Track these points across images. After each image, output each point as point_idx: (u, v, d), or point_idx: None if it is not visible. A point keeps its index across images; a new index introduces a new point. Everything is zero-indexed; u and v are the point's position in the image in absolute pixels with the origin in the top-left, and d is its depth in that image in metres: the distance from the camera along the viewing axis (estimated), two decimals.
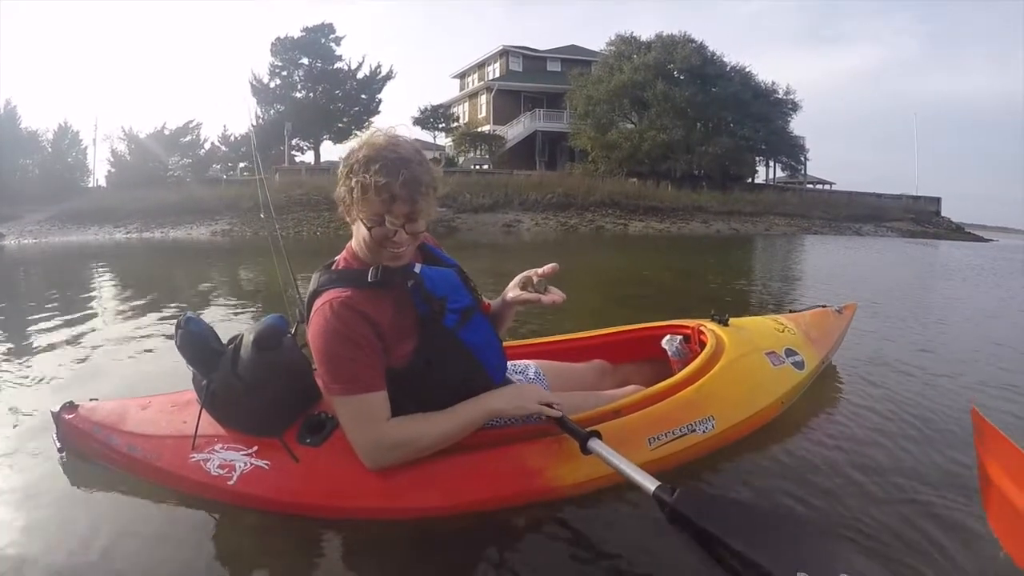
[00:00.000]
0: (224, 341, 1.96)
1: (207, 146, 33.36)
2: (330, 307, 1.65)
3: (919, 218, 33.06)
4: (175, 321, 1.91)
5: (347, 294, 1.66)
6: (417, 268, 1.78)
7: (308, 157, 34.42)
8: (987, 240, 31.06)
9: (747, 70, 33.50)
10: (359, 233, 1.71)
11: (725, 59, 33.05)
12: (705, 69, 31.43)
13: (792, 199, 31.26)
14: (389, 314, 1.70)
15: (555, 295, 1.87)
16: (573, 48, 41.13)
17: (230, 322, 4.82)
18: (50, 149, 30.27)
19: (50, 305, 5.70)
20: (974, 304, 7.17)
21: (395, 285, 1.72)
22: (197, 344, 1.89)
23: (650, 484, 1.57)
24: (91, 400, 2.14)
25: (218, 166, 34.33)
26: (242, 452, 1.83)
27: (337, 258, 1.83)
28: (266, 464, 1.80)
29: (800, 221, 27.54)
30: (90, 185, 30.60)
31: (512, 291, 1.96)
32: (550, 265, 1.87)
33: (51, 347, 3.94)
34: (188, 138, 32.61)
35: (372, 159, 1.60)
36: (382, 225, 1.64)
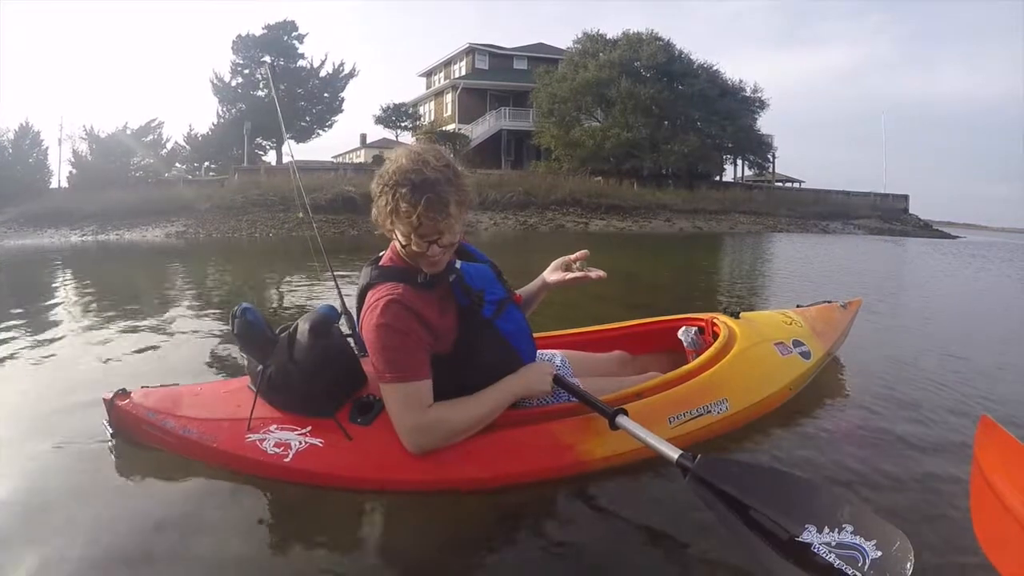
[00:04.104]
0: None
1: (169, 145, 32.53)
2: (383, 304, 1.80)
3: (886, 215, 33.18)
4: (231, 311, 2.03)
5: (398, 291, 1.82)
6: (458, 264, 1.98)
7: (271, 157, 33.82)
8: (954, 237, 31.13)
9: (714, 68, 33.52)
10: (396, 243, 1.87)
11: (692, 57, 32.90)
12: (671, 67, 31.21)
13: (759, 197, 31.24)
14: (435, 308, 1.87)
15: (598, 272, 2.15)
16: (540, 46, 40.80)
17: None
18: (11, 150, 29.25)
19: (25, 311, 5.46)
20: (952, 298, 7.82)
21: (442, 282, 1.91)
22: (254, 332, 2.02)
23: (673, 453, 1.75)
24: (142, 388, 2.24)
25: (183, 166, 33.54)
26: (297, 432, 1.95)
27: (382, 254, 1.99)
28: (320, 442, 1.93)
29: (766, 219, 27.37)
30: (53, 186, 29.58)
31: (555, 275, 2.25)
32: (582, 251, 2.21)
33: (69, 345, 3.97)
34: (150, 137, 31.76)
35: (400, 183, 1.73)
36: (411, 245, 1.78)
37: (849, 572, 1.38)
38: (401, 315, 1.79)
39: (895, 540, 1.42)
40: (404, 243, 1.80)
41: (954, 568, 1.63)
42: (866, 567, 1.38)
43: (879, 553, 1.40)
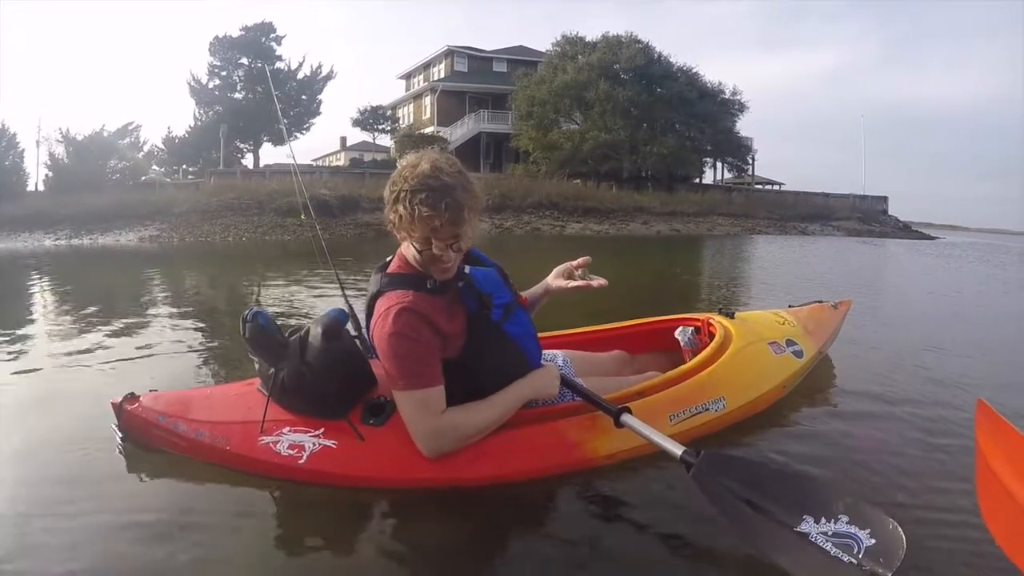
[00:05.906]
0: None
1: (146, 148, 31.98)
2: (395, 312, 1.82)
3: (866, 217, 33.38)
4: (242, 315, 2.03)
5: (408, 298, 1.84)
6: (467, 269, 1.99)
7: (249, 160, 33.44)
8: (933, 238, 31.48)
9: (694, 71, 33.60)
10: (409, 250, 1.90)
11: (672, 59, 33.04)
12: (650, 69, 31.35)
13: (738, 199, 31.38)
14: (445, 314, 1.89)
15: (600, 280, 2.16)
16: (520, 49, 40.82)
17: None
18: None
19: (12, 318, 5.33)
20: (930, 296, 8.14)
21: (450, 289, 1.93)
22: (265, 336, 2.02)
23: (677, 449, 1.83)
24: (151, 391, 2.24)
25: (162, 169, 32.98)
26: (310, 434, 1.98)
27: (388, 260, 2.02)
28: (333, 443, 1.96)
29: (744, 221, 27.37)
30: (29, 189, 28.90)
31: (558, 281, 2.26)
32: (584, 258, 2.21)
33: (73, 349, 3.91)
34: (127, 140, 31.20)
35: (417, 189, 1.73)
36: (430, 249, 1.80)
37: (844, 559, 1.49)
38: (412, 322, 1.82)
39: (888, 528, 1.53)
40: (421, 248, 1.81)
41: (950, 553, 1.71)
42: (860, 554, 1.49)
43: (873, 541, 1.51)
